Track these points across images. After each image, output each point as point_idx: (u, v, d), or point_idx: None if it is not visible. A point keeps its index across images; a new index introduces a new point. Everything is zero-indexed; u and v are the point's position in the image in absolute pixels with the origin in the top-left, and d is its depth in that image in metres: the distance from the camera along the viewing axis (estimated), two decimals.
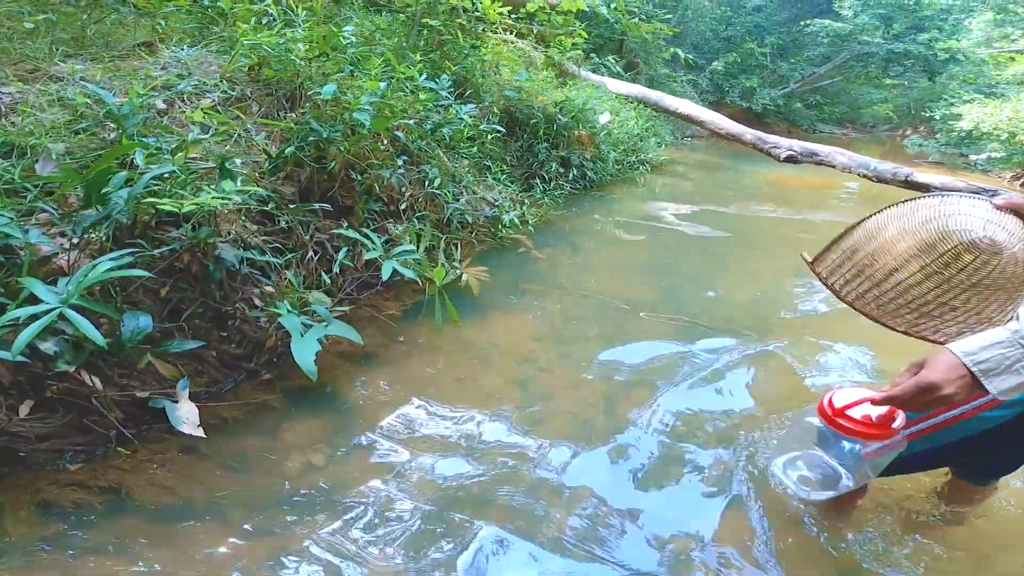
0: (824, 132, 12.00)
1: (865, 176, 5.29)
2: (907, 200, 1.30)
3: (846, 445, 1.13)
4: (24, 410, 1.31)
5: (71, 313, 1.11)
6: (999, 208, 1.12)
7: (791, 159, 5.43)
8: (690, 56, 8.29)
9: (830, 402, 1.12)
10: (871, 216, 1.34)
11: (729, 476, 1.55)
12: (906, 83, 13.37)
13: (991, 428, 1.08)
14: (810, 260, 1.39)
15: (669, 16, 9.31)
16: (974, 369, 0.87)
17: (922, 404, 0.93)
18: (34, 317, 1.13)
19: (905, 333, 1.19)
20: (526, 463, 1.55)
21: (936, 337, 1.16)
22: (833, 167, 5.43)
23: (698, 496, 1.51)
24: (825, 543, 1.36)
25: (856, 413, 1.08)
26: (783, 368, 2.10)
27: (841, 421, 1.09)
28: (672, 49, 8.64)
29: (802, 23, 11.58)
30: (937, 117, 9.85)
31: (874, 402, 1.05)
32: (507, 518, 1.38)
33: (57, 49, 2.38)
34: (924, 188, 5.02)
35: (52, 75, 2.16)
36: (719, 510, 1.45)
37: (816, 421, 1.15)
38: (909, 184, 5.06)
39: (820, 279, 1.34)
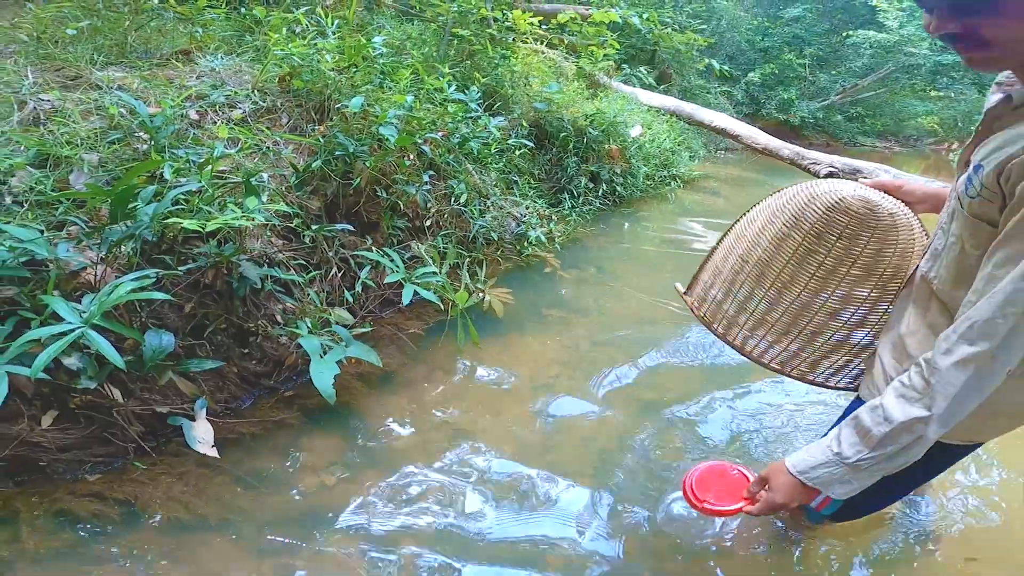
0: (865, 145, 11.66)
1: None
2: (773, 193, 1.23)
3: None
4: (47, 421, 1.32)
5: (92, 334, 1.10)
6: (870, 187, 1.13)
7: (832, 176, 5.26)
8: (725, 67, 8.12)
9: (691, 488, 1.13)
10: (737, 220, 1.27)
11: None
12: (953, 95, 12.91)
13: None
14: (683, 290, 1.38)
15: (703, 27, 9.17)
16: (811, 485, 0.96)
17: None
18: (56, 335, 1.12)
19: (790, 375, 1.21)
20: (537, 495, 1.51)
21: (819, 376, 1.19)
22: None
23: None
24: None
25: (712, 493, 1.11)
26: (818, 403, 2.00)
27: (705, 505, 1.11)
28: (706, 60, 8.49)
29: (843, 34, 11.28)
30: None
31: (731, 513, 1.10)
32: (512, 552, 1.34)
33: (99, 56, 2.42)
34: None
35: (92, 83, 2.19)
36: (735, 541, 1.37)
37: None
38: None
39: (692, 311, 1.31)
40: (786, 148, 5.57)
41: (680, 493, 1.18)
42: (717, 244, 1.30)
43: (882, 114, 12.51)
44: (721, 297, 1.25)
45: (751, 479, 1.12)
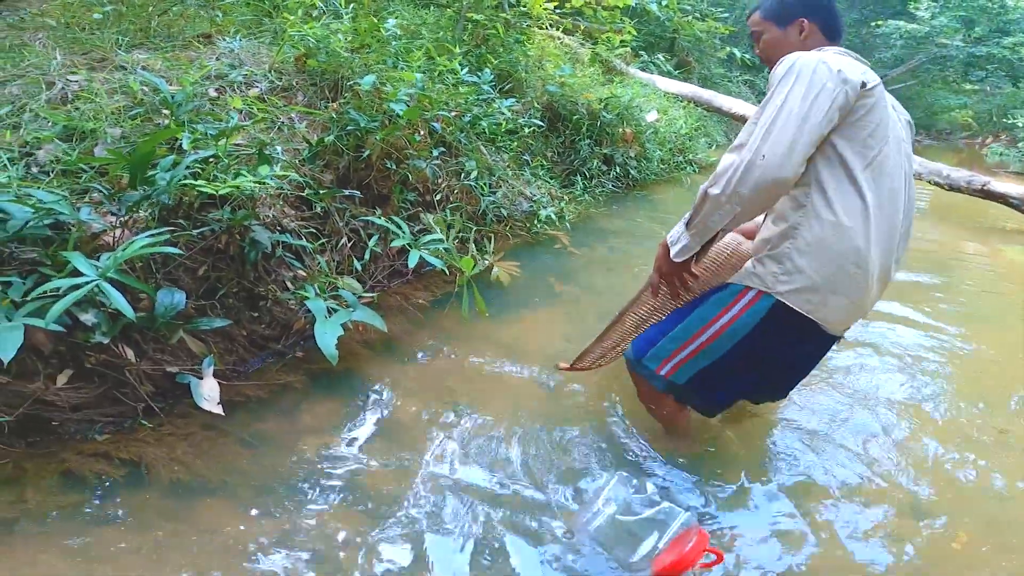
0: None
1: (937, 184, 4.95)
2: None
3: None
4: (62, 379, 1.37)
5: (106, 286, 1.16)
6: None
7: None
8: (747, 56, 7.98)
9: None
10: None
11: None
12: (988, 88, 12.46)
13: (742, 336, 1.30)
14: (567, 366, 1.82)
15: (726, 14, 9.01)
16: (668, 242, 1.30)
17: (669, 279, 1.36)
18: (74, 289, 1.19)
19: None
20: (539, 468, 1.53)
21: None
22: None
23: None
24: None
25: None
26: (827, 386, 1.98)
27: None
28: (728, 48, 8.35)
29: (873, 24, 10.98)
30: (1020, 125, 9.13)
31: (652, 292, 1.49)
32: (511, 521, 1.36)
33: (124, 39, 2.52)
34: (1002, 198, 4.64)
35: (118, 64, 2.28)
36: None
37: None
38: (986, 194, 4.69)
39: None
40: None
41: None
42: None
43: (912, 107, 12.14)
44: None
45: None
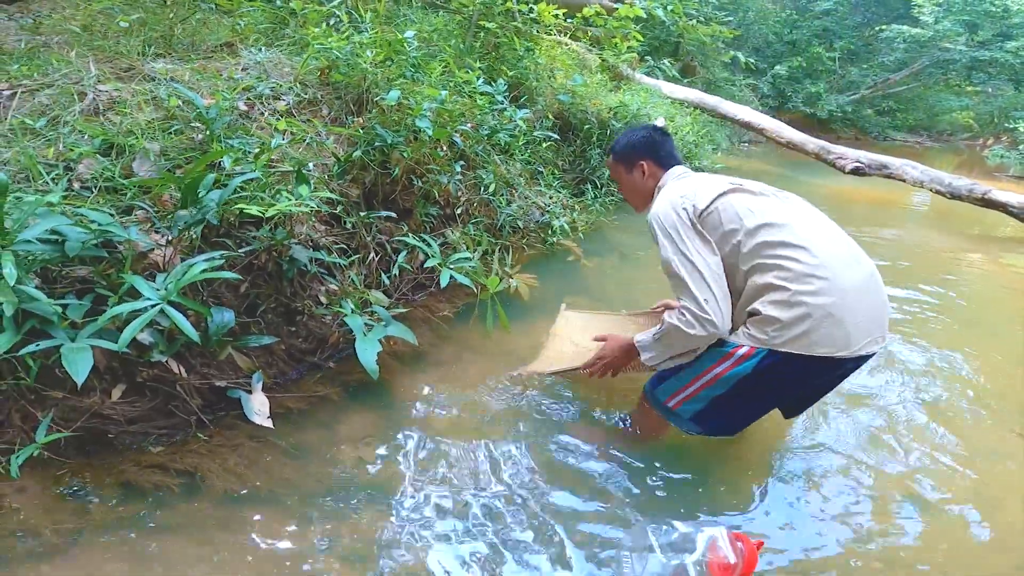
0: (896, 140, 11.44)
1: (939, 192, 5.04)
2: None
3: None
4: (116, 393, 1.44)
5: (171, 310, 1.23)
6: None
7: (857, 171, 5.22)
8: (751, 60, 8.06)
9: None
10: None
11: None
12: (990, 91, 12.58)
13: (738, 379, 1.44)
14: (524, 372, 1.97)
15: (729, 19, 9.06)
16: (637, 347, 1.58)
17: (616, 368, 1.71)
18: (134, 312, 1.25)
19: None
20: (563, 475, 1.61)
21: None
22: (904, 181, 5.20)
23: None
24: None
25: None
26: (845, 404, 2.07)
27: None
28: (732, 52, 8.41)
29: (876, 28, 11.06)
30: (1022, 128, 9.26)
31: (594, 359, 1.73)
32: (540, 526, 1.44)
33: (148, 48, 2.55)
34: (1002, 207, 4.73)
35: (145, 74, 2.32)
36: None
37: None
38: (987, 202, 4.78)
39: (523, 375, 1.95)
40: (812, 143, 5.55)
41: None
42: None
43: (914, 108, 12.25)
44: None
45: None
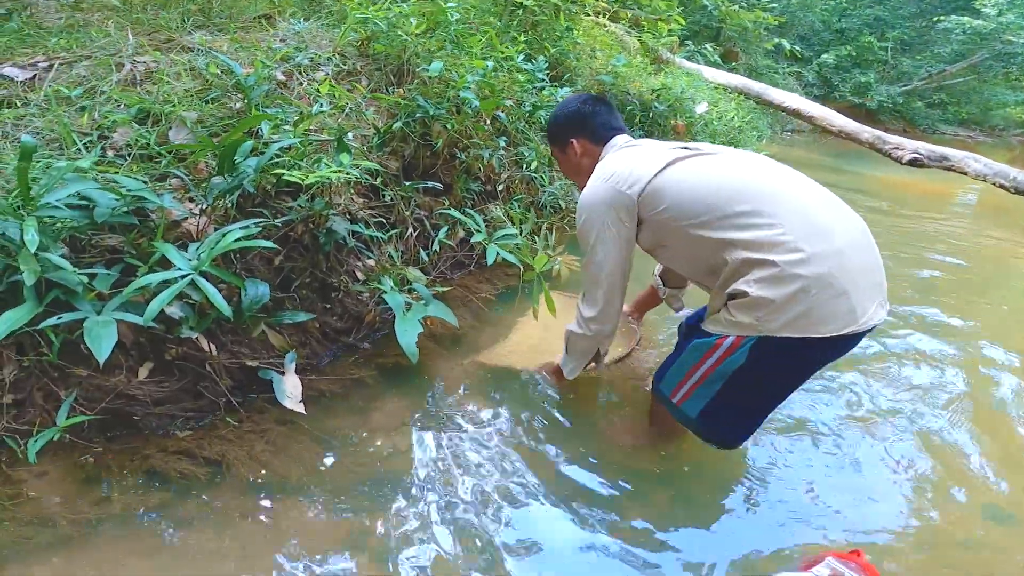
0: (946, 134, 10.95)
1: (1002, 186, 4.71)
2: None
3: None
4: (143, 372, 1.35)
5: (202, 281, 1.13)
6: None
7: (915, 162, 4.92)
8: (796, 47, 7.70)
9: None
10: None
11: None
12: None
13: (734, 370, 1.25)
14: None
15: (773, 5, 8.71)
16: (559, 363, 1.65)
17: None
18: (164, 283, 1.16)
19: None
20: (605, 466, 1.49)
21: None
22: (965, 174, 4.87)
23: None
24: None
25: None
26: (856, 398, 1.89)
27: None
28: (776, 39, 8.07)
29: (933, 18, 10.54)
30: None
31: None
32: (583, 521, 1.32)
33: (187, 19, 2.49)
34: None
35: (184, 45, 2.26)
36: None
37: None
38: None
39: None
40: (866, 131, 5.24)
41: None
42: None
43: (967, 102, 11.72)
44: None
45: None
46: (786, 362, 1.24)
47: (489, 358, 1.86)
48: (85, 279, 1.22)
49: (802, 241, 1.15)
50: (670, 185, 1.29)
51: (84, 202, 1.34)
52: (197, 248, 1.29)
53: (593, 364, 1.62)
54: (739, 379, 1.26)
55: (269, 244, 1.24)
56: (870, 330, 1.21)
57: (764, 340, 1.19)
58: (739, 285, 1.20)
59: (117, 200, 1.36)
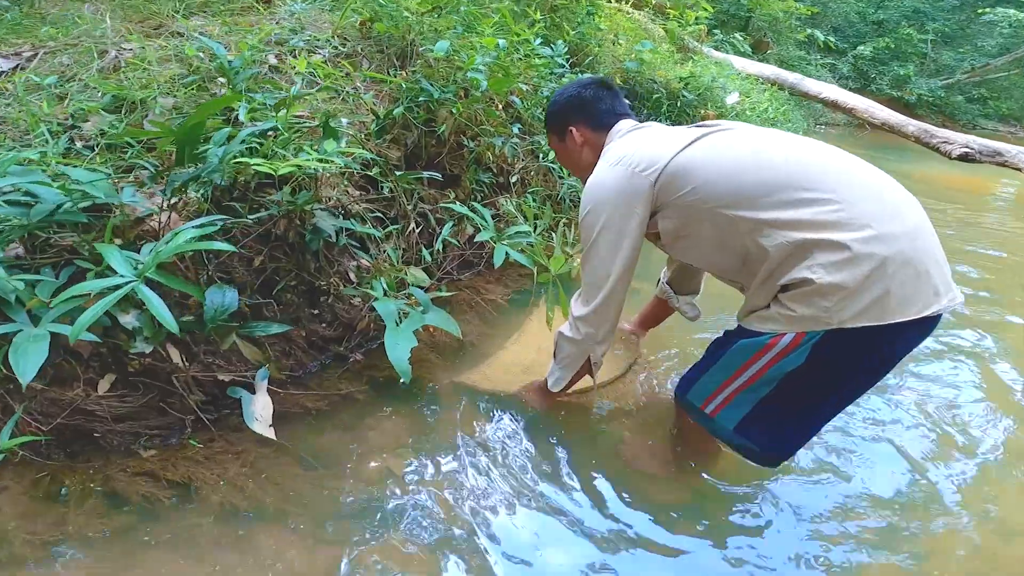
0: (986, 128, 10.45)
1: None
2: None
3: None
4: (104, 386, 1.18)
5: (144, 290, 0.94)
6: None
7: (966, 157, 4.55)
8: (830, 38, 7.31)
9: None
10: None
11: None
12: None
13: (787, 372, 1.09)
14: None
15: None
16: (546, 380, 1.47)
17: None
18: (110, 288, 0.97)
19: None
20: (633, 499, 1.27)
21: None
22: (1019, 170, 4.50)
23: None
24: None
25: None
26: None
27: None
28: (809, 30, 7.69)
29: (976, 11, 10.03)
30: None
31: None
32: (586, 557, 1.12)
33: (181, 6, 2.34)
34: None
35: (174, 31, 2.11)
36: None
37: None
38: None
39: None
40: (912, 124, 4.87)
41: None
42: None
43: (1010, 97, 11.21)
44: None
45: None
46: (856, 358, 1.06)
47: (496, 371, 1.64)
48: (19, 286, 1.04)
49: (870, 218, 1.01)
50: (698, 163, 1.12)
51: (27, 198, 1.17)
52: (152, 249, 1.10)
53: (582, 385, 1.44)
54: (792, 383, 1.10)
55: (227, 246, 1.04)
56: (938, 319, 1.06)
57: (832, 334, 1.02)
58: (799, 272, 1.03)
59: (62, 196, 1.18)
